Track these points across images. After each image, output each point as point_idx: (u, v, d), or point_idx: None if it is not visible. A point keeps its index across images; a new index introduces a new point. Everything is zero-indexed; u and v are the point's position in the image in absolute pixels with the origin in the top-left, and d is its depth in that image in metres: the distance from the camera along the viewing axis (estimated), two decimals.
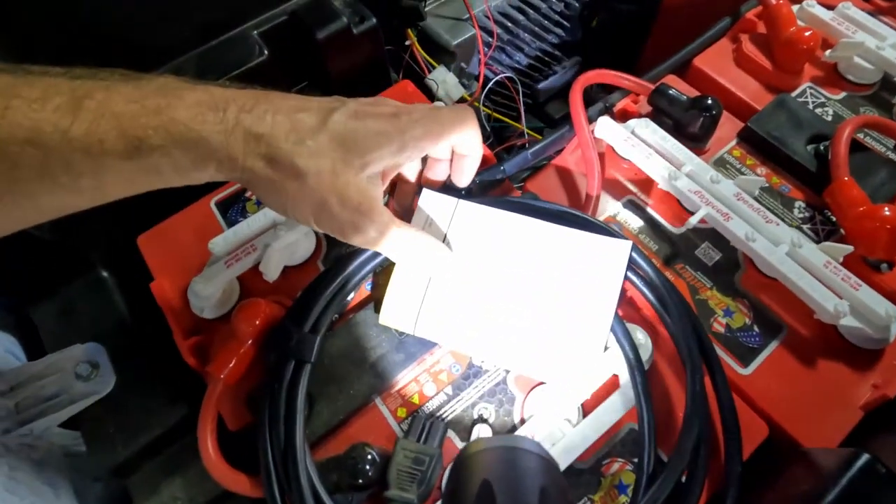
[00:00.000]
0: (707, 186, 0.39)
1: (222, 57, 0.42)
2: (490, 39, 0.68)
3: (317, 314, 0.34)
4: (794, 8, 0.49)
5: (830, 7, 0.50)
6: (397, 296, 0.35)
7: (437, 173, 0.36)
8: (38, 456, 0.33)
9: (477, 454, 0.25)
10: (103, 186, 0.23)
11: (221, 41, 0.43)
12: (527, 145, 0.71)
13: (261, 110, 0.25)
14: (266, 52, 0.43)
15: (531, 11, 0.69)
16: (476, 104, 0.70)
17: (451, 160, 0.35)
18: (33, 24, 0.36)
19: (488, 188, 0.41)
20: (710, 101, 0.42)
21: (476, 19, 0.66)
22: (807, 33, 0.45)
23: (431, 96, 0.67)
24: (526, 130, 0.75)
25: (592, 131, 0.44)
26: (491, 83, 0.71)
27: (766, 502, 0.30)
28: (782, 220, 0.41)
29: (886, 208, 0.36)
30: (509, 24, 0.69)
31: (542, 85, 0.80)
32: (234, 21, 0.43)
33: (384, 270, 0.37)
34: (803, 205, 0.42)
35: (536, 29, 0.72)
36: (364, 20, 0.46)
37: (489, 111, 0.71)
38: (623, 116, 0.47)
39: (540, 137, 0.76)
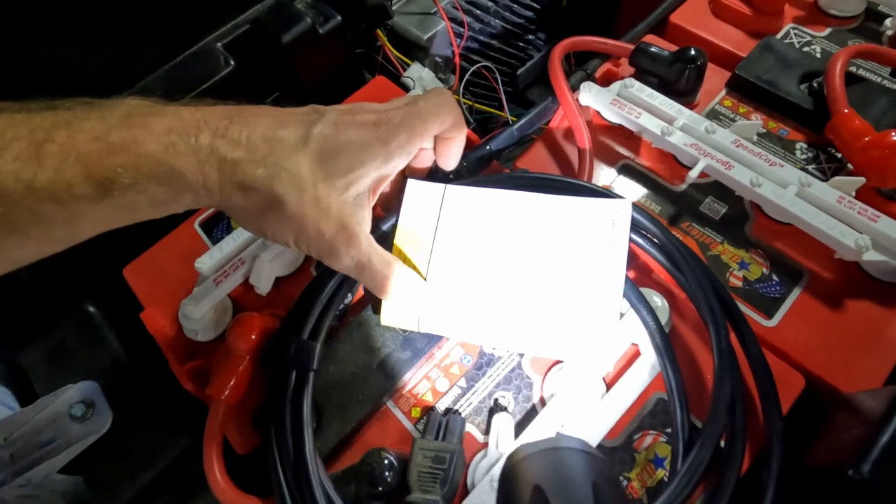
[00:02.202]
0: (703, 138, 0.38)
1: (188, 73, 0.41)
2: (461, 30, 0.67)
3: (314, 320, 0.33)
4: None
5: None
6: None
7: (422, 161, 0.35)
8: None
9: (522, 461, 0.24)
10: (77, 231, 0.22)
11: (186, 57, 0.41)
12: (510, 123, 0.69)
13: (235, 132, 0.24)
14: (232, 62, 0.42)
15: None
16: (456, 97, 0.68)
17: (435, 145, 0.34)
18: None
19: (476, 169, 0.39)
20: (693, 52, 0.40)
21: (444, 11, 0.65)
22: None
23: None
24: (510, 118, 0.73)
25: (576, 100, 0.42)
26: (468, 74, 0.70)
27: (815, 455, 0.28)
28: (786, 160, 0.39)
29: (893, 134, 0.34)
30: (479, 12, 0.68)
31: (520, 71, 0.79)
32: (196, 35, 0.42)
33: None
34: (805, 146, 0.40)
35: (507, 14, 0.71)
36: (329, 19, 0.45)
37: (470, 102, 0.69)
38: (605, 82, 0.45)
39: None
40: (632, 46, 0.43)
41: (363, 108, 0.28)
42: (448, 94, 0.31)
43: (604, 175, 0.41)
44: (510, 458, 0.25)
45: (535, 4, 0.73)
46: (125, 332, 0.40)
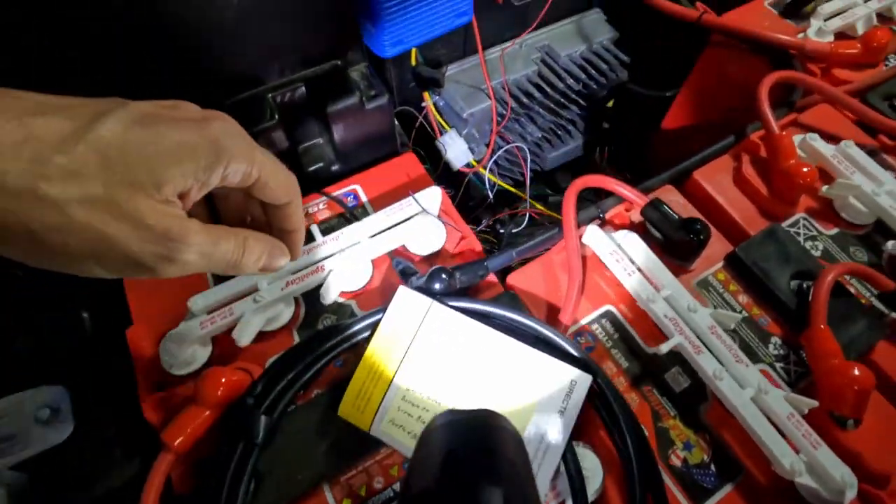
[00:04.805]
0: (683, 314, 0.39)
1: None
2: (504, 112, 0.69)
3: (275, 394, 0.35)
4: (797, 139, 0.49)
5: (836, 138, 0.51)
6: (359, 390, 0.35)
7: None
8: None
9: (442, 426, 0.22)
10: None
11: (235, 102, 0.44)
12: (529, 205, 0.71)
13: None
14: (277, 117, 0.45)
15: (548, 89, 0.71)
16: (482, 170, 0.71)
17: (266, 212, 0.28)
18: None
19: (469, 283, 0.41)
20: (699, 226, 0.42)
21: (493, 90, 0.68)
22: (805, 169, 0.45)
23: (438, 158, 0.69)
24: (529, 200, 0.76)
25: (581, 236, 0.44)
26: (500, 151, 0.73)
27: None
28: (756, 353, 0.41)
29: (856, 368, 0.36)
30: (525, 100, 0.70)
31: (551, 155, 0.81)
32: (250, 84, 0.45)
33: (356, 351, 0.38)
34: (779, 341, 0.42)
35: (552, 105, 0.73)
36: (377, 96, 0.47)
37: (494, 179, 0.72)
38: (618, 225, 0.47)
39: (542, 208, 0.77)
40: (645, 199, 0.45)
41: (187, 105, 0.23)
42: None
43: (586, 313, 0.43)
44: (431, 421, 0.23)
45: (581, 101, 0.75)
46: (109, 340, 0.43)
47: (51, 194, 0.19)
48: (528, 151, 0.74)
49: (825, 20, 0.57)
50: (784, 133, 0.47)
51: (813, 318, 0.39)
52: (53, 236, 0.19)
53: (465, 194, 0.76)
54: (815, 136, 0.49)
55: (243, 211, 0.28)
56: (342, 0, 0.45)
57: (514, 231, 0.73)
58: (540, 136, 0.77)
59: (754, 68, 0.60)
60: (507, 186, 0.74)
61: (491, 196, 0.71)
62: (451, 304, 0.37)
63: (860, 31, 0.57)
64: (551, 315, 0.42)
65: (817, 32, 0.57)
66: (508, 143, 0.73)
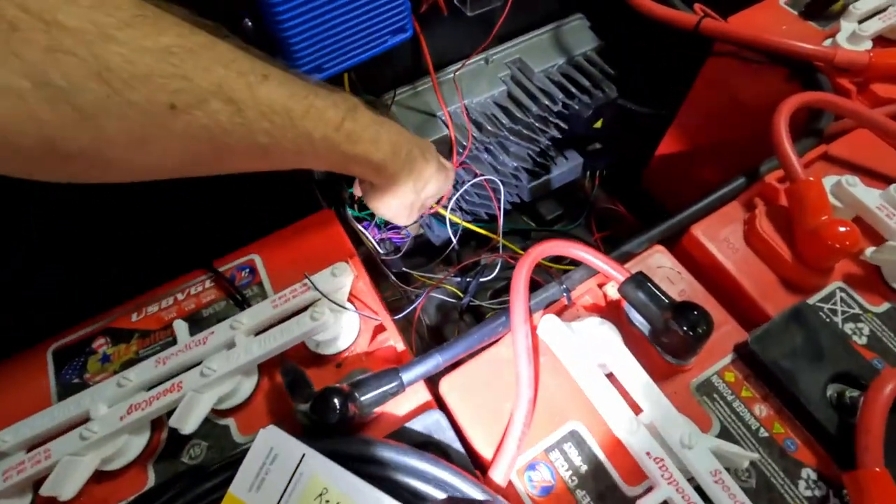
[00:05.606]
0: (675, 450, 0.28)
1: None
2: (465, 142, 0.58)
3: None
4: (829, 183, 0.37)
5: (879, 176, 0.39)
6: None
7: None
8: None
9: None
10: (319, 165, 0.30)
11: None
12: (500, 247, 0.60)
13: (409, 146, 0.35)
14: None
15: (519, 113, 0.60)
16: (442, 211, 0.60)
17: None
18: None
19: (378, 402, 0.30)
20: (695, 315, 0.30)
21: (451, 116, 0.57)
22: (842, 228, 0.33)
23: (372, 215, 0.58)
24: (502, 242, 0.64)
25: (535, 328, 0.33)
26: (466, 186, 0.62)
27: None
28: (781, 495, 0.29)
29: None
30: (490, 127, 0.59)
31: (531, 185, 0.70)
32: None
33: None
34: (814, 475, 0.30)
35: (525, 131, 0.62)
36: None
37: (459, 221, 0.60)
38: (591, 299, 0.36)
39: (517, 249, 0.65)
40: (624, 275, 0.33)
41: (440, 157, 0.41)
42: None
43: (544, 434, 0.31)
44: None
45: (562, 123, 0.63)
46: None
47: (425, 173, 0.38)
48: (500, 184, 0.63)
49: (860, 22, 0.45)
50: (811, 178, 0.35)
51: (861, 454, 0.28)
52: (395, 197, 0.38)
53: (425, 238, 0.65)
54: (855, 179, 0.37)
55: None
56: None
57: (483, 280, 0.62)
58: (515, 165, 0.66)
59: (769, 84, 0.48)
60: (473, 227, 0.63)
61: (454, 240, 0.59)
62: (336, 449, 0.26)
63: None
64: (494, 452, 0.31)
65: (850, 38, 0.45)
66: (477, 175, 0.62)
